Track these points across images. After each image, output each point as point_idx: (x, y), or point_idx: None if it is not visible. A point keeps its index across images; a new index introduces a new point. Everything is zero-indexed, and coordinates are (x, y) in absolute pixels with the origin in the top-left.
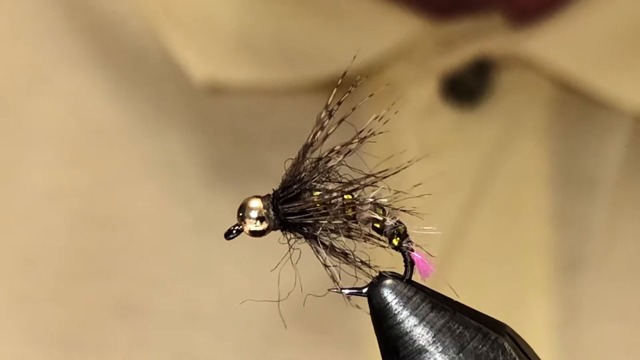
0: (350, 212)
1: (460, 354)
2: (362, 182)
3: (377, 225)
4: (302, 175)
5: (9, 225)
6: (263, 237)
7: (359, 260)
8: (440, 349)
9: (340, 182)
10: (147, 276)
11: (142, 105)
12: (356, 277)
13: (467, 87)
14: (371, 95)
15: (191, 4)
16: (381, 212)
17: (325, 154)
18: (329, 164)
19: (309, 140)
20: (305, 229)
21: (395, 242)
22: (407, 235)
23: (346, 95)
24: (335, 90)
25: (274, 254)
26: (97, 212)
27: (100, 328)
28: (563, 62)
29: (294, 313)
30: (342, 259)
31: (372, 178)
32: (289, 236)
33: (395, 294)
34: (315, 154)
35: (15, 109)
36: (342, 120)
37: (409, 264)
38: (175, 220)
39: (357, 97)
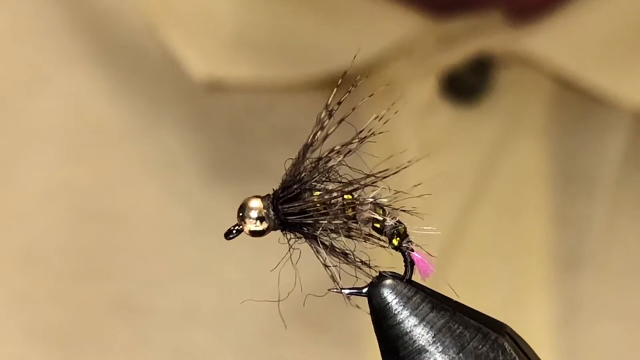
0: (350, 212)
1: (460, 354)
2: (362, 182)
3: (377, 225)
4: (302, 175)
5: (8, 225)
6: (263, 237)
7: (359, 260)
8: (440, 349)
9: (340, 182)
10: (147, 275)
11: (142, 104)
12: (356, 277)
13: (466, 84)
14: (371, 95)
15: (190, 2)
16: (381, 212)
17: (325, 153)
18: (329, 164)
19: (309, 140)
20: (305, 229)
21: (395, 242)
22: (407, 235)
23: (346, 95)
24: (335, 90)
25: (274, 254)
26: (97, 211)
27: (100, 328)
28: (563, 60)
29: (293, 313)
30: (342, 259)
31: (372, 178)
32: (288, 236)
33: (395, 294)
34: (315, 154)
35: (15, 109)
36: (342, 120)
37: (409, 264)
38: (175, 219)
39: (357, 97)
